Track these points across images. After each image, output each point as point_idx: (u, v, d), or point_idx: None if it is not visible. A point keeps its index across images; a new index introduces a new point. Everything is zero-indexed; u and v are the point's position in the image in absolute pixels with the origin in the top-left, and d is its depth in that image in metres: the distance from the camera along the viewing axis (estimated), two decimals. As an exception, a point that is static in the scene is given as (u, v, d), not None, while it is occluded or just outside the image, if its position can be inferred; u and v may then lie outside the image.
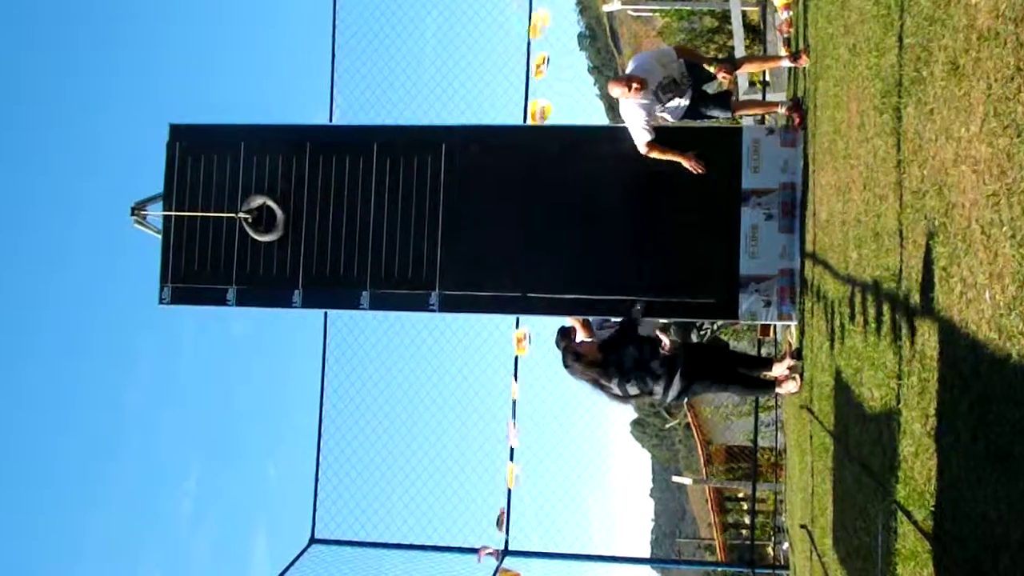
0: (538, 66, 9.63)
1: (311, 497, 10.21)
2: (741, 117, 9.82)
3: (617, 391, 7.51)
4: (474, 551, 9.92)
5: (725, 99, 8.69)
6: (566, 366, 7.61)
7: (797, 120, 8.49)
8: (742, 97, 13.72)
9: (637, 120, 8.24)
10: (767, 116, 10.91)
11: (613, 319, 8.67)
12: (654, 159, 8.40)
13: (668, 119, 8.49)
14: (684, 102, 8.35)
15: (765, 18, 12.92)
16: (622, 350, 7.50)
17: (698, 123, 9.02)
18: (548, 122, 9.36)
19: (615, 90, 8.20)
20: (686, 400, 7.87)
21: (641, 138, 8.30)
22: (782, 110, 8.75)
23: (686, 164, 8.43)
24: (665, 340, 7.64)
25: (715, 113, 8.67)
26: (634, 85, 8.04)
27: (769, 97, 12.37)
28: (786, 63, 8.82)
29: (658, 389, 7.55)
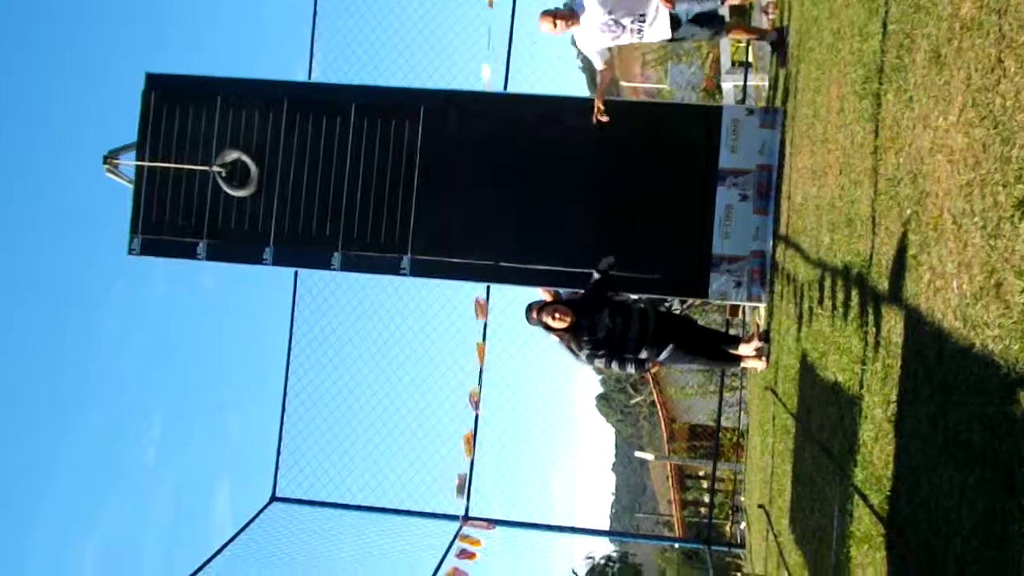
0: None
1: (274, 454, 10.20)
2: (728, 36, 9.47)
3: (584, 359, 7.54)
4: (433, 516, 9.96)
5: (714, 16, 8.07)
6: (539, 322, 7.59)
7: (781, 56, 8.28)
8: (724, 73, 13.75)
9: (591, 46, 7.91)
10: (751, 42, 10.29)
11: (582, 291, 8.68)
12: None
13: (644, 37, 7.95)
14: (660, 15, 7.70)
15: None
16: (596, 315, 7.51)
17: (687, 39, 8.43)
18: (520, 90, 9.27)
19: (543, 26, 7.82)
20: (649, 367, 7.84)
21: (597, 64, 8.08)
22: (767, 41, 8.64)
23: (596, 104, 8.24)
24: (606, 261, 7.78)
25: (703, 31, 8.08)
26: (559, 22, 7.69)
27: (751, 79, 12.38)
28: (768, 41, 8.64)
29: (623, 367, 7.59)
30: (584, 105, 8.86)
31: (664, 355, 7.59)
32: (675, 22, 7.74)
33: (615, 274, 7.90)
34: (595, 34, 7.79)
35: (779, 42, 8.27)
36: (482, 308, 9.69)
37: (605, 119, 8.23)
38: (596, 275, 7.82)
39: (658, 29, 7.76)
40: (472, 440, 9.82)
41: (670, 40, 8.07)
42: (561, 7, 7.83)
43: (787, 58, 8.02)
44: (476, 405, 9.82)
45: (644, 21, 7.68)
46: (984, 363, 2.61)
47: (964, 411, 2.72)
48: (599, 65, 8.06)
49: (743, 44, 12.33)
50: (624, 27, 7.70)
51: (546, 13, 7.76)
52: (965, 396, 2.72)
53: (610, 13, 7.61)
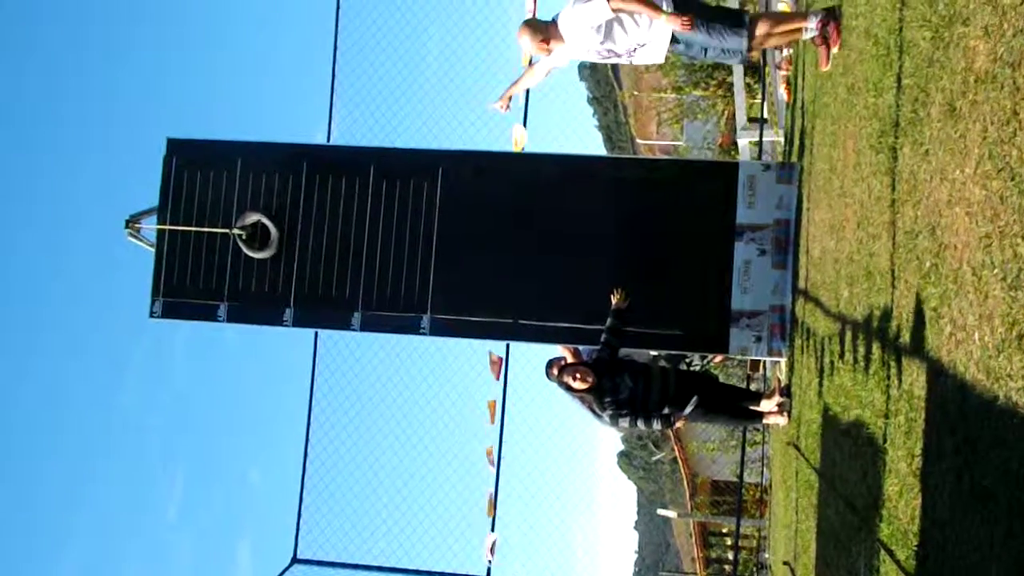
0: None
1: (295, 514, 10.16)
2: (762, 53, 8.36)
3: (607, 420, 7.51)
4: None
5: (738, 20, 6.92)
6: (559, 383, 7.58)
7: (835, 36, 6.38)
8: (739, 130, 13.77)
9: (565, 53, 7.14)
10: (793, 44, 8.38)
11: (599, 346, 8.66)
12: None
13: (635, 60, 7.19)
14: (659, 39, 6.87)
15: (765, 55, 12.96)
16: (617, 376, 7.49)
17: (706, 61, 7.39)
18: (537, 150, 9.29)
19: (523, 40, 7.08)
20: (675, 422, 7.73)
21: (544, 64, 7.35)
22: (813, 24, 6.59)
23: (511, 90, 7.67)
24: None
25: (731, 42, 6.85)
26: (541, 45, 6.97)
27: (767, 135, 12.41)
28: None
29: (649, 425, 7.55)
30: (601, 163, 8.92)
31: (690, 408, 7.53)
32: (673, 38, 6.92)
33: (631, 314, 7.86)
34: (581, 53, 7.17)
35: (827, 19, 6.49)
36: (496, 366, 9.67)
37: (503, 110, 7.79)
38: (610, 319, 7.80)
39: (652, 53, 7.03)
40: (493, 500, 9.77)
41: (682, 53, 7.27)
42: (544, 21, 7.15)
43: (840, 34, 6.34)
44: (493, 463, 9.78)
45: (641, 48, 6.98)
46: (1008, 415, 2.60)
47: (989, 464, 2.70)
48: (543, 66, 7.38)
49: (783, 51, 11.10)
50: (617, 55, 7.09)
51: (528, 25, 7.08)
52: (989, 449, 2.71)
53: (603, 43, 6.97)
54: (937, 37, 3.53)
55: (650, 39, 6.88)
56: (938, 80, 3.48)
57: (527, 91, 9.19)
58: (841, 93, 5.88)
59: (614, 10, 6.68)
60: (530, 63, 7.75)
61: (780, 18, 7.38)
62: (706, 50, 6.99)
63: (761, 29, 6.93)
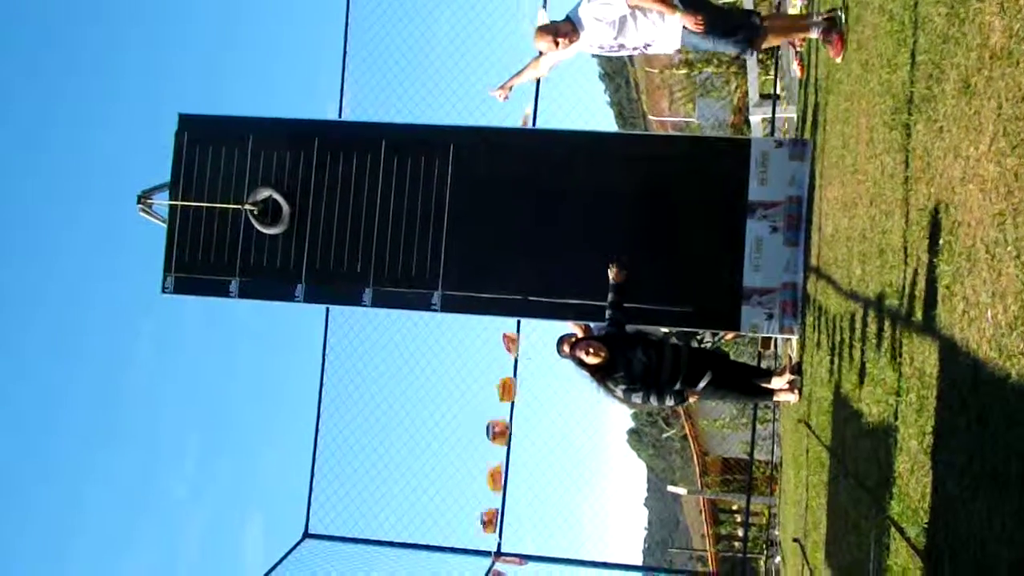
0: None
1: (307, 489, 10.23)
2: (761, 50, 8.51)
3: (620, 395, 7.50)
4: (465, 552, 9.94)
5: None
6: (572, 358, 7.57)
7: (838, 43, 6.60)
8: (751, 107, 13.71)
9: (572, 49, 7.23)
10: (799, 44, 8.73)
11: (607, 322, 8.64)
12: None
13: (646, 52, 7.39)
14: (669, 36, 7.03)
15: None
16: (629, 351, 7.49)
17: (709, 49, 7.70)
18: (549, 126, 9.29)
19: (540, 44, 7.18)
20: (687, 396, 7.68)
21: (550, 58, 7.36)
22: (815, 34, 7.00)
23: (513, 81, 7.66)
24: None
25: (733, 50, 7.25)
26: (561, 40, 7.04)
27: (780, 112, 12.35)
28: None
29: (661, 400, 7.53)
30: (613, 140, 8.88)
31: (703, 383, 7.53)
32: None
33: (631, 282, 7.87)
34: (591, 48, 7.32)
35: (829, 28, 6.76)
36: (512, 342, 9.69)
37: (502, 99, 7.76)
38: (610, 294, 7.82)
39: (663, 47, 7.22)
40: (503, 474, 9.79)
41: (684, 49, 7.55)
42: (558, 21, 7.24)
43: (845, 43, 6.52)
44: (498, 436, 9.79)
45: (650, 47, 7.20)
46: (1020, 393, 2.59)
47: (1001, 442, 2.70)
48: (549, 60, 7.42)
49: (791, 52, 11.22)
50: (626, 48, 7.25)
51: (544, 29, 7.17)
52: (1001, 427, 2.70)
53: (616, 38, 7.12)
54: (952, 13, 3.50)
55: (661, 36, 7.05)
56: (953, 56, 3.45)
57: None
58: (855, 69, 5.85)
59: (631, 7, 6.79)
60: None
61: (787, 25, 7.58)
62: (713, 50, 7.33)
63: (768, 36, 7.31)
